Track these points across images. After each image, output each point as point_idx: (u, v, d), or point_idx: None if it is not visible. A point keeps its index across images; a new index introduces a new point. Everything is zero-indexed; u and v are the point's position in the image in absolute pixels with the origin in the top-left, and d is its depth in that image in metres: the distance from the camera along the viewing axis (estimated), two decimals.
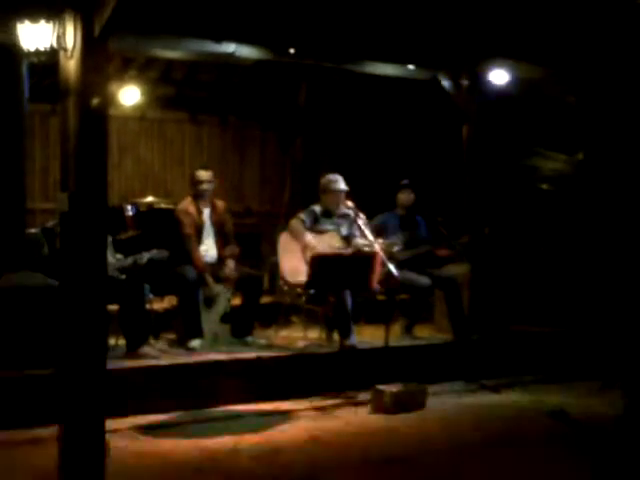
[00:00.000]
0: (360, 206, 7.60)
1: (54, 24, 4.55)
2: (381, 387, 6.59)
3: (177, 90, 10.08)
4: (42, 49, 4.87)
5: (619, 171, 7.98)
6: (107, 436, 5.55)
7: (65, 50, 4.46)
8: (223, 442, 5.67)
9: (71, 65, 4.43)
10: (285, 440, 5.76)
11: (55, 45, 4.53)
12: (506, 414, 6.55)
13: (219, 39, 7.18)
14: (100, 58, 4.44)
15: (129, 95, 9.69)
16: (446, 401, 6.97)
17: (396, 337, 7.83)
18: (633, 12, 6.67)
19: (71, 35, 4.42)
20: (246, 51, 7.52)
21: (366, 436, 5.94)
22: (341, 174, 7.78)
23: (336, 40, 7.68)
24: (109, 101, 9.28)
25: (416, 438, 5.88)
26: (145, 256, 7.07)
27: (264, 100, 10.50)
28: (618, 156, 8.17)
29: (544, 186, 8.55)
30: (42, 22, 4.86)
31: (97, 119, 4.45)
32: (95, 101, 4.40)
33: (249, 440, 5.72)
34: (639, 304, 6.53)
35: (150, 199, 9.04)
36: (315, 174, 8.06)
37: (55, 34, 4.52)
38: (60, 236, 4.50)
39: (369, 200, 8.25)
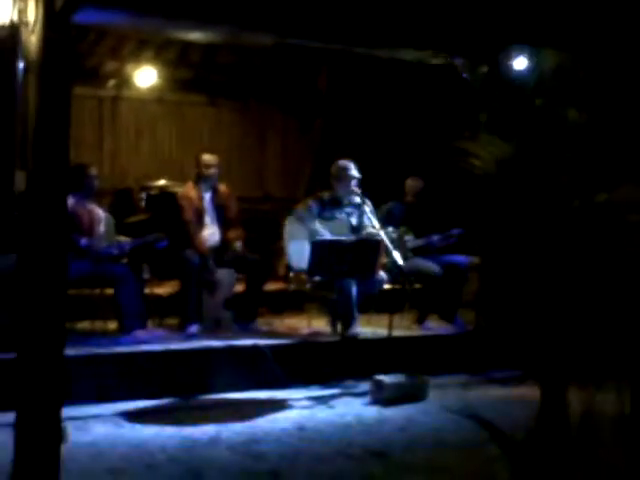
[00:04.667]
0: (371, 193, 7.39)
1: None
2: (380, 377, 6.38)
3: (195, 73, 9.92)
4: (2, 24, 4.75)
5: None
6: (90, 421, 5.57)
7: (26, 25, 4.33)
8: (206, 430, 5.53)
9: (32, 40, 4.30)
10: (269, 430, 5.60)
11: (16, 20, 4.41)
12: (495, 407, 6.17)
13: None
14: (62, 33, 4.28)
15: (146, 77, 9.59)
16: (449, 394, 6.73)
17: (407, 328, 7.63)
18: None
19: (32, 9, 4.28)
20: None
21: (355, 428, 5.74)
22: (359, 159, 7.53)
23: (352, 25, 7.45)
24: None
25: (405, 432, 5.67)
26: (126, 246, 6.97)
27: (285, 83, 10.29)
28: None
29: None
30: None
31: (59, 95, 4.29)
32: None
33: (232, 429, 5.57)
34: None
35: (163, 182, 8.92)
36: (334, 159, 7.83)
37: (16, 8, 4.40)
38: (18, 217, 4.38)
39: (381, 187, 8.02)
